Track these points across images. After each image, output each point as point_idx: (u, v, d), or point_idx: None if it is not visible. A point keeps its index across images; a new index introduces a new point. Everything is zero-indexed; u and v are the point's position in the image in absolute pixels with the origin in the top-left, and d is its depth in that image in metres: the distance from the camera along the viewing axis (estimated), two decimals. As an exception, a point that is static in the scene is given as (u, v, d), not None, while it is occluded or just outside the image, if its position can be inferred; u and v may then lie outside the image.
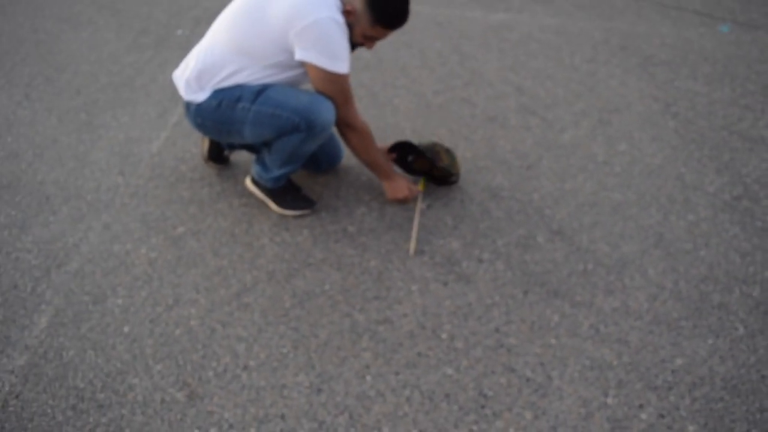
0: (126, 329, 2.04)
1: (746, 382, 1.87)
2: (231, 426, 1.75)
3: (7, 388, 1.86)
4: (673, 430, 1.74)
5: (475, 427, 1.75)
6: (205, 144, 2.67)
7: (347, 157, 2.80)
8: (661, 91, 3.36)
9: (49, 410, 1.80)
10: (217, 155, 2.70)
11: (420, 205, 2.50)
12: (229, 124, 2.18)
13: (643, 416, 1.78)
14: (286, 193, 2.48)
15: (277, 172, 2.37)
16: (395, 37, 3.92)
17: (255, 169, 2.45)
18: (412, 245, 2.33)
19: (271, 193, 2.48)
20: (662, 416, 1.78)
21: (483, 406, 1.80)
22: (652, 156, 2.84)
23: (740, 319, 2.07)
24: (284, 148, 2.22)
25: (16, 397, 1.84)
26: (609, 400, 1.82)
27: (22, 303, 2.13)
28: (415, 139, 2.94)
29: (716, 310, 2.09)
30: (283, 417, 1.78)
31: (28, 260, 2.30)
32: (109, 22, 4.15)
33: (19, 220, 2.48)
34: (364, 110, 3.18)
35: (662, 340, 2.00)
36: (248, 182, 2.55)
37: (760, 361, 1.93)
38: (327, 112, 2.11)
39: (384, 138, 2.95)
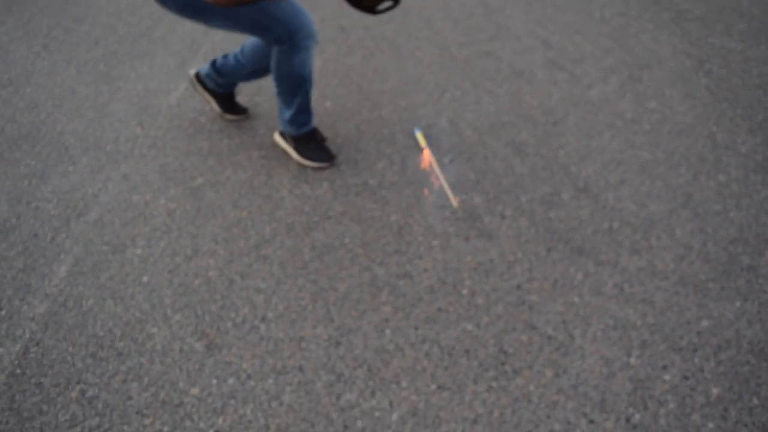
0: (145, 279, 2.04)
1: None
2: (249, 376, 1.75)
3: (27, 335, 1.87)
4: (697, 391, 1.71)
5: (494, 384, 1.73)
6: (212, 102, 2.63)
7: (368, 110, 2.75)
8: (695, 47, 3.24)
9: (69, 357, 1.81)
10: (231, 106, 2.66)
11: (431, 159, 2.45)
12: (194, 8, 1.99)
13: (667, 377, 1.75)
14: (309, 141, 2.44)
15: (289, 111, 2.33)
16: (419, -12, 3.80)
17: (279, 119, 2.41)
18: (453, 199, 2.29)
19: (294, 140, 2.44)
20: (686, 378, 1.74)
21: (503, 363, 1.78)
22: (683, 114, 2.74)
23: (770, 282, 2.01)
24: (280, 74, 2.20)
25: (37, 344, 1.85)
26: (632, 360, 1.79)
27: (42, 252, 2.13)
28: (436, 92, 2.87)
29: (745, 273, 2.04)
30: (301, 369, 1.77)
31: (47, 210, 2.30)
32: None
33: (38, 170, 2.47)
34: (386, 62, 3.11)
35: (688, 302, 1.95)
36: (276, 136, 2.53)
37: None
38: (309, 23, 2.11)
39: (406, 91, 2.88)
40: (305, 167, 2.45)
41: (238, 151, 2.55)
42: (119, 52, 3.21)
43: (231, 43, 3.28)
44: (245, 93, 2.89)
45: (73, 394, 1.71)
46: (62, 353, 1.81)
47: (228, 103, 2.64)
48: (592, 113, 2.75)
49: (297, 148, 2.45)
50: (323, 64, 3.11)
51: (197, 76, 2.58)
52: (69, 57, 3.17)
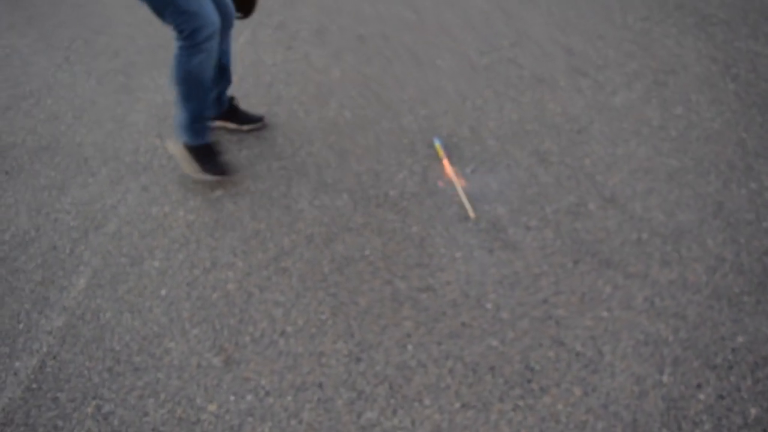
0: (163, 292, 2.01)
1: None
2: (267, 393, 1.71)
3: (45, 349, 1.85)
4: (734, 412, 1.63)
5: (521, 402, 1.67)
6: (228, 124, 2.65)
7: (388, 119, 2.71)
8: (720, 51, 3.16)
9: (85, 372, 1.78)
10: (241, 118, 2.64)
11: (450, 167, 2.41)
12: None
13: (701, 396, 1.67)
14: (208, 153, 2.36)
15: (184, 116, 2.24)
16: (438, -5, 3.76)
17: (174, 125, 2.34)
18: (470, 209, 2.24)
19: (190, 151, 2.34)
20: (721, 397, 1.67)
21: (529, 381, 1.72)
22: (711, 120, 2.67)
23: (808, 295, 1.93)
24: (177, 74, 2.13)
25: (54, 357, 1.82)
26: (665, 378, 1.72)
27: (61, 264, 2.11)
28: (457, 100, 2.82)
29: (781, 286, 1.96)
30: (320, 385, 1.72)
31: (66, 221, 2.28)
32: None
33: (58, 182, 2.46)
34: (406, 70, 3.07)
35: (722, 316, 1.88)
36: (169, 142, 2.44)
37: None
38: (214, 23, 2.04)
39: (426, 100, 2.84)
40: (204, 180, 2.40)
41: (256, 161, 2.52)
42: (139, 62, 3.21)
43: (255, 51, 3.26)
44: (263, 103, 2.86)
45: (89, 410, 1.68)
46: (79, 367, 1.79)
47: (235, 113, 2.62)
48: (617, 120, 2.68)
49: (193, 160, 2.35)
50: (342, 73, 3.08)
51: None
52: (89, 68, 3.17)
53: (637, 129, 2.64)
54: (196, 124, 2.28)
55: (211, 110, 2.31)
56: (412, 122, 2.71)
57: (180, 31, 2.02)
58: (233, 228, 2.23)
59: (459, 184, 2.35)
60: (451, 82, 2.99)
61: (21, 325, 1.91)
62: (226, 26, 2.27)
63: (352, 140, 2.62)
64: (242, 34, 3.41)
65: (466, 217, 2.23)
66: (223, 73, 2.41)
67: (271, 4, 3.70)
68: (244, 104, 2.79)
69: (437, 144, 2.54)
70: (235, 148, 2.58)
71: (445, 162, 2.45)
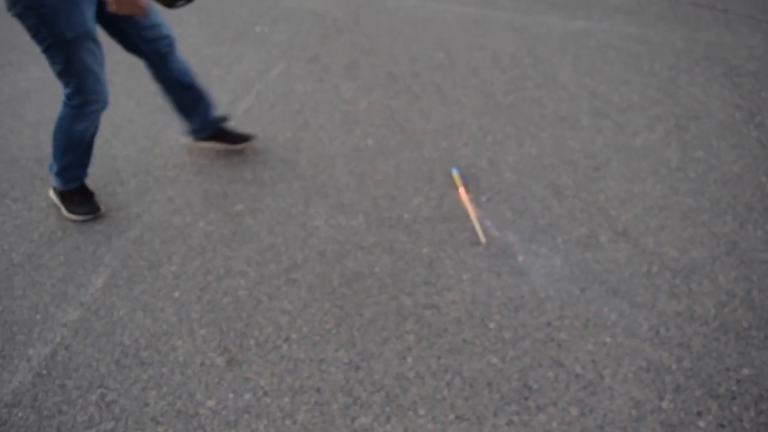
0: (176, 294, 2.07)
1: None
2: (266, 393, 1.74)
3: (58, 339, 1.92)
4: (735, 442, 1.60)
5: (515, 418, 1.67)
6: (218, 145, 2.77)
7: (409, 149, 2.78)
8: (746, 100, 3.18)
9: (94, 363, 1.84)
10: (232, 138, 2.76)
11: (465, 195, 2.45)
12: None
13: (701, 424, 1.65)
14: (75, 196, 2.41)
15: (58, 166, 2.33)
16: (468, 39, 3.88)
17: (48, 171, 2.43)
18: (480, 234, 2.28)
19: (60, 195, 2.41)
20: (722, 426, 1.64)
21: (526, 398, 1.72)
22: (731, 164, 2.67)
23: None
24: (59, 131, 2.22)
25: (66, 348, 1.89)
26: (664, 405, 1.70)
27: (82, 263, 2.20)
28: (479, 134, 2.88)
29: (792, 326, 1.93)
30: (318, 390, 1.75)
31: (92, 225, 2.38)
32: (193, 18, 4.30)
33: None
34: (431, 106, 3.16)
35: (728, 349, 1.85)
36: (49, 192, 2.50)
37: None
38: (106, 94, 2.15)
39: (449, 133, 2.91)
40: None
41: (279, 180, 2.61)
42: (177, 88, 3.36)
43: (287, 82, 3.39)
44: (290, 129, 2.97)
45: (93, 397, 1.74)
46: (88, 358, 1.85)
47: (225, 134, 2.74)
48: (635, 160, 2.71)
49: (63, 202, 2.41)
50: (368, 105, 3.18)
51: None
52: (130, 91, 3.34)
53: (655, 169, 2.65)
54: (68, 172, 2.36)
55: (83, 162, 2.38)
56: (432, 152, 2.78)
57: (69, 98, 2.13)
58: (249, 240, 2.30)
59: (472, 210, 2.38)
60: (474, 117, 3.06)
61: (38, 316, 1.99)
62: (167, 52, 2.37)
63: (373, 166, 2.69)
64: (276, 65, 3.57)
65: (477, 243, 2.27)
66: (190, 92, 2.53)
67: (307, 39, 3.87)
68: (273, 129, 2.90)
69: (455, 173, 2.59)
70: (260, 168, 2.68)
71: (461, 190, 2.50)
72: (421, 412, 1.68)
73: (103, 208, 2.43)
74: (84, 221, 2.38)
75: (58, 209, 2.43)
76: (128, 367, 1.82)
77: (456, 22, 4.20)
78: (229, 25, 4.18)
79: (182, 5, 2.13)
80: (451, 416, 1.67)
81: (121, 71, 3.54)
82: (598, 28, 4.09)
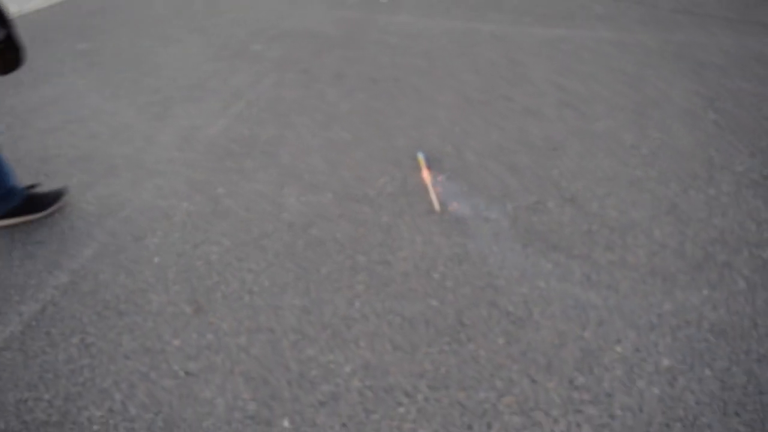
0: (156, 260, 2.29)
1: (737, 327, 1.84)
2: (225, 333, 1.93)
3: (48, 298, 2.14)
4: (647, 362, 1.74)
5: (446, 347, 1.83)
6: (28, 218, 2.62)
7: (382, 139, 2.99)
8: (708, 89, 3.33)
9: (77, 315, 2.06)
10: (43, 203, 2.62)
11: (428, 173, 2.65)
12: None
13: (618, 349, 1.79)
14: (31, 201, 2.53)
15: None
16: (452, 49, 4.12)
17: None
18: (436, 203, 2.47)
19: (16, 211, 2.51)
20: (638, 350, 1.78)
21: (459, 332, 1.88)
22: (684, 140, 2.83)
23: (743, 275, 2.03)
24: None
25: (54, 304, 2.12)
26: (586, 334, 1.85)
27: (76, 239, 2.45)
28: (448, 125, 3.09)
29: (719, 267, 2.07)
30: (272, 330, 1.94)
31: (87, 209, 2.63)
32: (195, 40, 4.65)
33: (86, 182, 2.84)
34: (408, 104, 3.38)
35: (654, 289, 1.99)
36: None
37: (757, 312, 1.89)
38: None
39: (421, 125, 3.12)
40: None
41: (259, 169, 2.84)
42: (175, 97, 3.66)
43: (277, 90, 3.66)
44: (275, 127, 3.21)
45: (74, 341, 1.95)
46: (73, 312, 2.07)
47: (34, 202, 2.63)
48: (591, 141, 2.88)
49: (28, 213, 2.52)
50: (350, 106, 3.42)
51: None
52: (131, 101, 3.64)
53: (610, 147, 2.82)
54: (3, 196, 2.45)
55: (5, 181, 2.42)
56: (402, 142, 2.99)
57: None
58: (226, 217, 2.52)
59: (430, 184, 2.58)
60: (446, 112, 3.28)
61: (33, 281, 2.23)
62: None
63: (345, 155, 2.91)
64: (268, 76, 3.84)
65: (433, 212, 2.45)
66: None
67: (299, 55, 4.15)
68: (259, 129, 3.15)
69: (420, 156, 2.80)
70: (243, 159, 2.92)
71: (424, 170, 2.70)
72: (362, 344, 1.86)
73: (64, 188, 2.66)
74: (62, 206, 2.63)
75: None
76: (107, 317, 2.03)
77: (443, 34, 4.46)
78: (229, 45, 4.50)
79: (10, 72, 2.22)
80: (389, 347, 1.84)
81: (126, 85, 3.86)
82: (576, 34, 4.30)
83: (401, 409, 1.66)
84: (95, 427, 1.66)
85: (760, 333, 1.80)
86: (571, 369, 1.73)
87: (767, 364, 1.71)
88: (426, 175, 2.66)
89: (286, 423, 1.64)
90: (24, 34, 4.43)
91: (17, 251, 2.39)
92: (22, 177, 2.92)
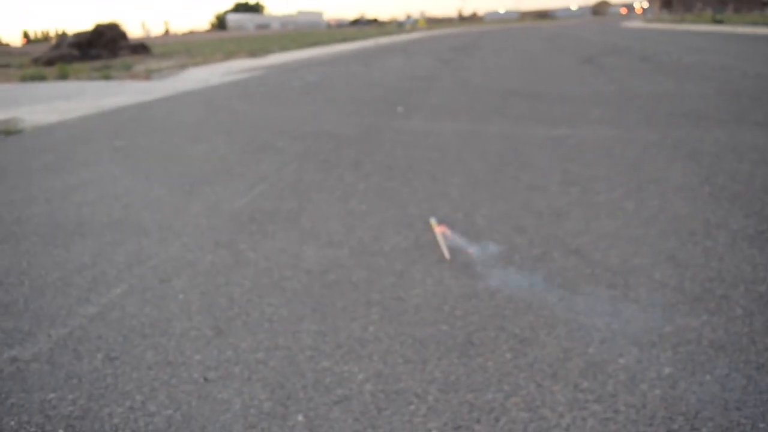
0: (181, 296, 2.43)
1: (735, 344, 1.90)
2: (244, 351, 2.03)
3: (77, 323, 2.27)
4: (649, 371, 1.80)
5: (456, 360, 1.91)
6: None
7: (395, 209, 3.19)
8: (704, 169, 3.55)
9: (103, 336, 2.17)
10: None
11: (438, 229, 2.82)
12: None
13: (621, 361, 1.85)
14: None
15: None
16: (462, 144, 4.43)
17: None
18: (445, 252, 2.61)
19: None
20: (640, 362, 1.84)
21: (468, 349, 1.97)
22: (681, 207, 2.99)
23: (741, 305, 2.12)
24: None
25: (82, 329, 2.23)
26: (590, 350, 1.92)
27: (105, 282, 2.59)
28: (458, 199, 3.29)
29: (717, 299, 2.16)
30: (289, 348, 2.03)
31: (118, 260, 2.80)
32: (222, 139, 5.03)
33: (117, 240, 3.03)
34: (421, 184, 3.62)
35: (655, 316, 2.08)
36: None
37: (755, 332, 1.96)
38: None
39: (432, 199, 3.33)
40: None
41: (280, 230, 3.03)
42: (203, 180, 3.94)
43: (299, 174, 3.92)
44: (295, 201, 3.43)
45: (99, 356, 2.05)
46: (99, 334, 2.18)
47: None
48: (594, 208, 3.06)
49: None
50: (366, 186, 3.66)
51: None
52: (163, 183, 3.91)
53: (612, 213, 2.99)
54: None
55: None
56: (415, 211, 3.19)
57: None
58: (248, 266, 2.67)
59: (441, 237, 2.73)
60: (456, 190, 3.50)
61: (63, 311, 2.35)
62: None
63: (362, 221, 3.10)
64: (290, 164, 4.14)
65: (444, 260, 2.59)
66: None
67: (320, 149, 4.48)
68: (280, 203, 3.36)
69: (432, 221, 2.98)
70: (266, 223, 3.11)
71: (436, 227, 2.87)
72: (375, 358, 1.94)
73: None
74: None
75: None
76: (132, 339, 2.14)
77: (452, 134, 4.81)
78: (254, 142, 4.86)
79: None
80: (400, 360, 1.92)
81: (158, 172, 4.14)
82: (579, 133, 4.62)
83: (412, 407, 1.71)
84: (115, 420, 1.73)
85: (758, 348, 1.87)
86: (576, 376, 1.79)
87: (767, 372, 1.76)
88: (437, 230, 2.82)
89: (300, 417, 1.70)
90: (65, 135, 4.83)
91: (50, 288, 2.54)
92: (57, 237, 3.12)
